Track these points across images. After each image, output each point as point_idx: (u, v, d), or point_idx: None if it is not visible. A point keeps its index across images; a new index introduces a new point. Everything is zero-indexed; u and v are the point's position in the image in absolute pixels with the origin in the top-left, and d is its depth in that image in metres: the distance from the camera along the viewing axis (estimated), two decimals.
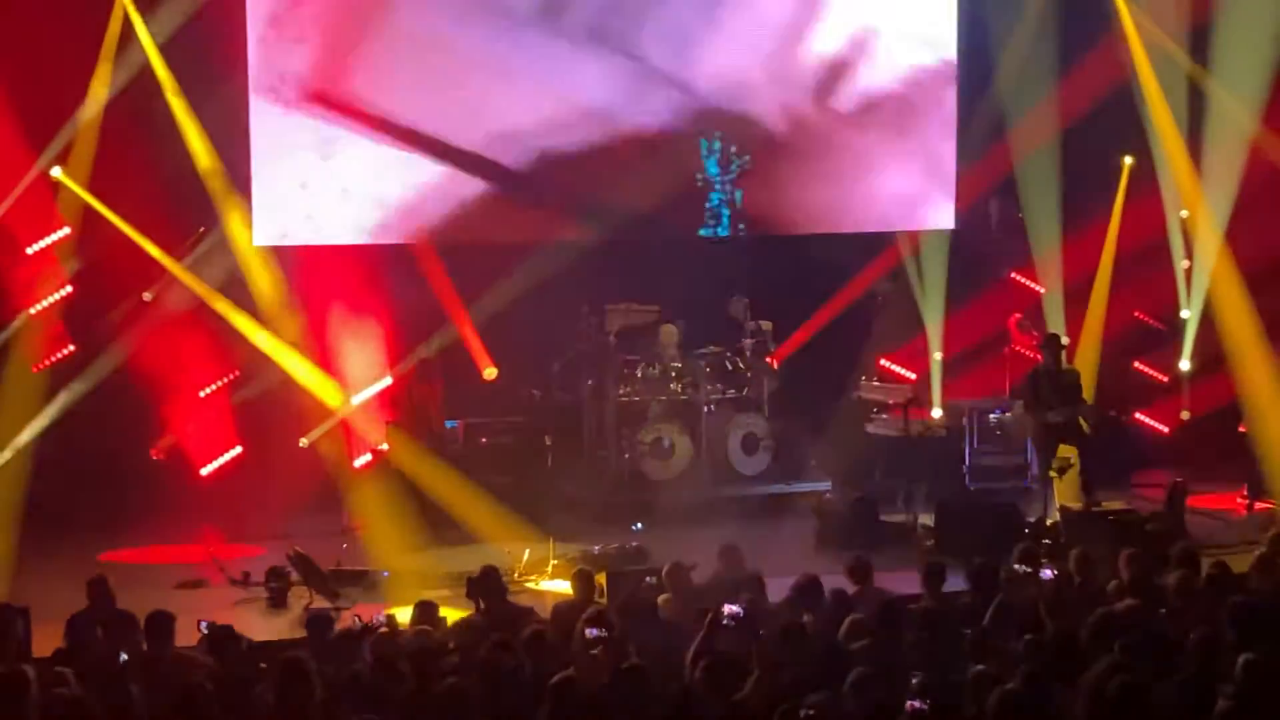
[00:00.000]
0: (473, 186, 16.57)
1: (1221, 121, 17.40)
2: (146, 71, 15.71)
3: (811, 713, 7.94)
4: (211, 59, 15.82)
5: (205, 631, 9.88)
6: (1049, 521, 14.47)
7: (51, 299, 15.82)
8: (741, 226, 17.17)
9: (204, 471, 16.06)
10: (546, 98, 16.56)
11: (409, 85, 16.28)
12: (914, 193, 17.54)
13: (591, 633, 9.18)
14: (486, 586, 10.79)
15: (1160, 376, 18.12)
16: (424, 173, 16.42)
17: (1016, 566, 11.12)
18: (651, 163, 16.72)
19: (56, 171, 15.61)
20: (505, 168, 16.60)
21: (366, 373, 16.35)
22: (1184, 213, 17.73)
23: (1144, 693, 8.11)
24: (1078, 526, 14.01)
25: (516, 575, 13.27)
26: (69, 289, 15.88)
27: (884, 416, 16.60)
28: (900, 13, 17.33)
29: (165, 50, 15.68)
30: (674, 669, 9.05)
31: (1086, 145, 17.61)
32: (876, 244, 17.64)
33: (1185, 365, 17.80)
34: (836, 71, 17.26)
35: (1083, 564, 10.92)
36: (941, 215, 17.61)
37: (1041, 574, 10.91)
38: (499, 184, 16.61)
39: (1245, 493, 15.84)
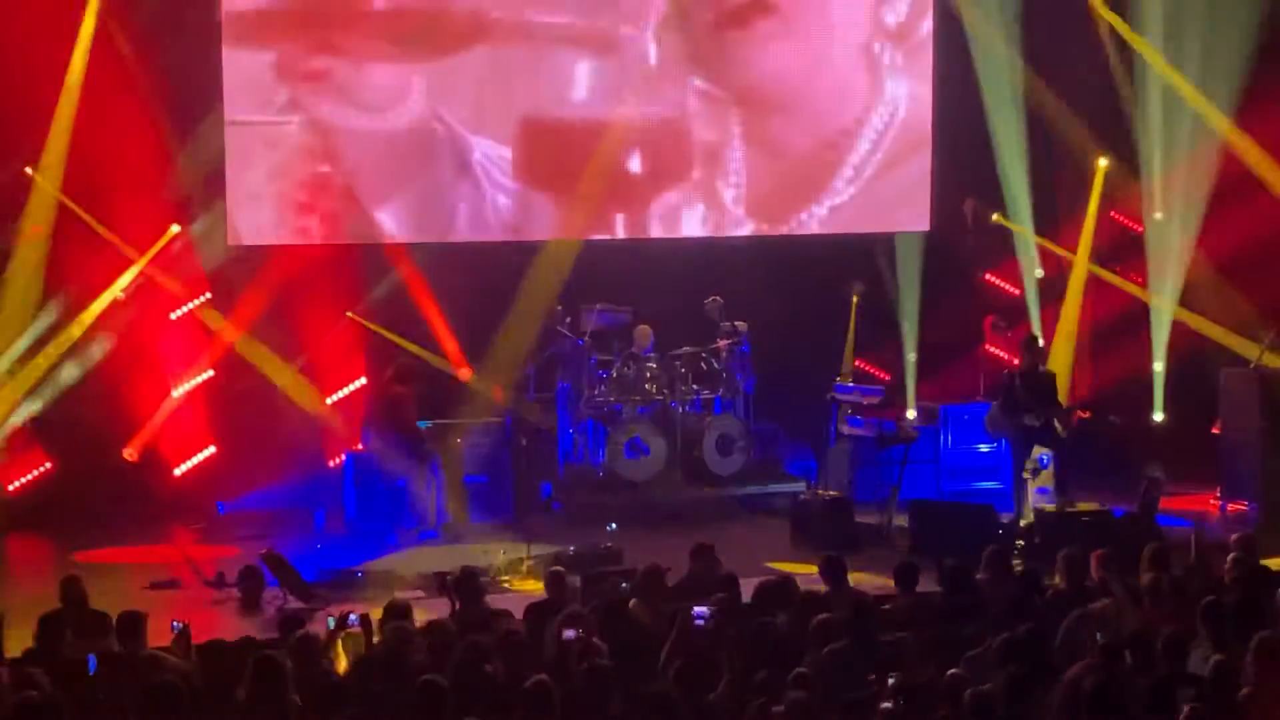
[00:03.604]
0: (451, 185, 16.59)
1: (1195, 122, 17.44)
2: (120, 69, 15.66)
3: (783, 709, 7.95)
4: (186, 56, 15.78)
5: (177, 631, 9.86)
6: (1023, 522, 14.50)
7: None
8: None
9: (178, 472, 16.03)
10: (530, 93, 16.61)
11: (385, 83, 16.31)
12: (888, 194, 17.54)
13: (568, 634, 9.18)
14: (462, 587, 10.77)
15: (1134, 377, 18.14)
16: (401, 172, 16.42)
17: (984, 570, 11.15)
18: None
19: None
20: (484, 167, 16.61)
21: (341, 373, 16.33)
22: (1158, 215, 17.74)
23: (1118, 692, 8.14)
24: (1052, 527, 14.04)
25: (491, 576, 13.25)
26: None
27: (859, 417, 16.59)
28: (875, 15, 17.35)
29: (140, 49, 15.64)
30: (647, 670, 9.04)
31: (1062, 146, 17.64)
32: (852, 245, 17.66)
33: (1159, 366, 17.81)
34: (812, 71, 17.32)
35: (1069, 565, 10.92)
36: (916, 217, 17.63)
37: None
38: (477, 183, 16.62)
39: (1219, 494, 15.88)
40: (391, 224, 16.49)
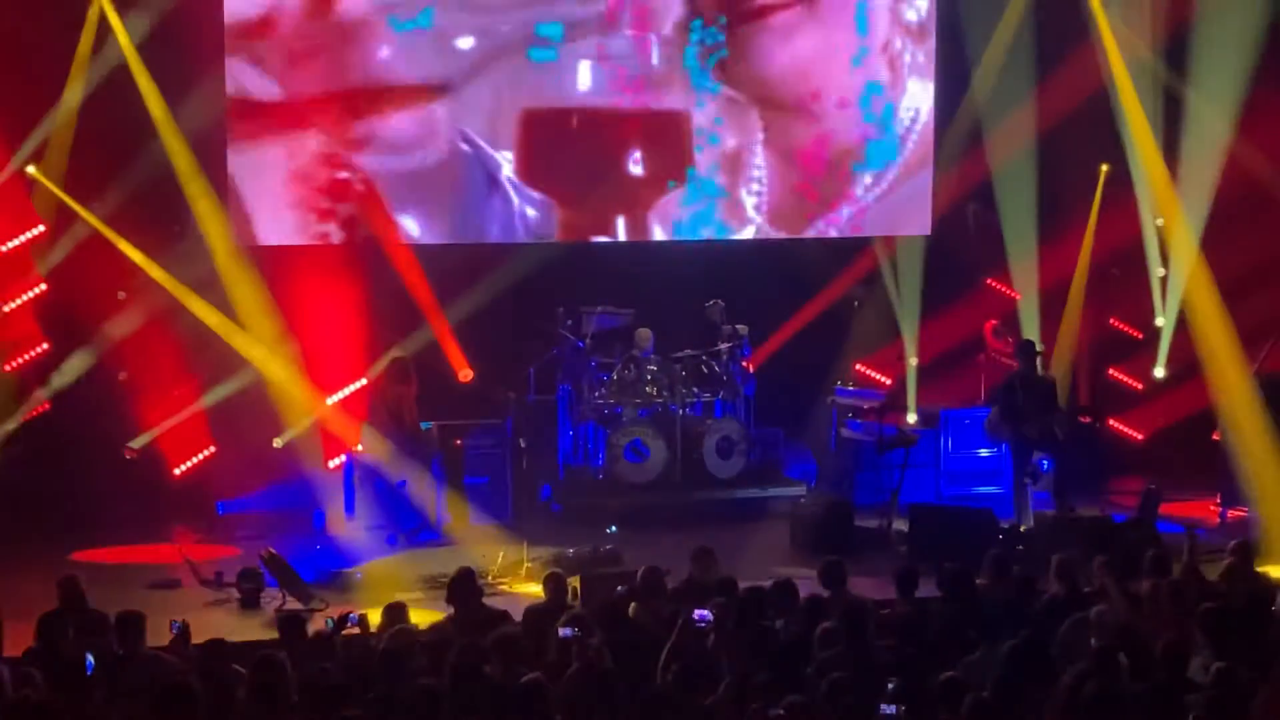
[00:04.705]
0: (449, 185, 16.60)
1: (1198, 129, 17.42)
2: (123, 68, 15.66)
3: (781, 712, 7.95)
4: (189, 56, 15.78)
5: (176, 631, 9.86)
6: (1023, 528, 14.50)
7: (25, 297, 15.78)
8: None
9: (177, 471, 16.02)
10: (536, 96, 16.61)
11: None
12: (890, 198, 17.52)
13: (566, 632, 9.18)
14: (461, 588, 10.78)
15: (1135, 384, 18.14)
16: (400, 172, 16.43)
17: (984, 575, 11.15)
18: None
19: (31, 169, 15.60)
20: (482, 165, 16.61)
21: (341, 373, 16.33)
22: (1159, 220, 17.75)
23: (1117, 698, 8.14)
24: (1051, 533, 14.03)
25: (491, 578, 13.26)
26: (43, 287, 15.84)
27: (859, 421, 16.60)
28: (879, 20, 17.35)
29: (142, 47, 15.64)
30: (645, 673, 9.04)
31: (1063, 152, 17.64)
32: (853, 249, 17.66)
33: (1160, 373, 17.82)
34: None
35: (1063, 571, 10.93)
36: (918, 221, 17.62)
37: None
38: (477, 183, 16.63)
39: (1219, 500, 15.88)
40: (393, 222, 16.53)
